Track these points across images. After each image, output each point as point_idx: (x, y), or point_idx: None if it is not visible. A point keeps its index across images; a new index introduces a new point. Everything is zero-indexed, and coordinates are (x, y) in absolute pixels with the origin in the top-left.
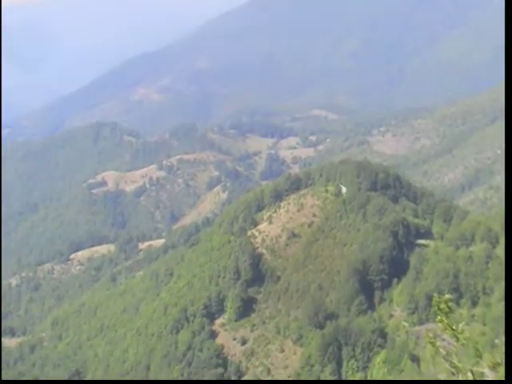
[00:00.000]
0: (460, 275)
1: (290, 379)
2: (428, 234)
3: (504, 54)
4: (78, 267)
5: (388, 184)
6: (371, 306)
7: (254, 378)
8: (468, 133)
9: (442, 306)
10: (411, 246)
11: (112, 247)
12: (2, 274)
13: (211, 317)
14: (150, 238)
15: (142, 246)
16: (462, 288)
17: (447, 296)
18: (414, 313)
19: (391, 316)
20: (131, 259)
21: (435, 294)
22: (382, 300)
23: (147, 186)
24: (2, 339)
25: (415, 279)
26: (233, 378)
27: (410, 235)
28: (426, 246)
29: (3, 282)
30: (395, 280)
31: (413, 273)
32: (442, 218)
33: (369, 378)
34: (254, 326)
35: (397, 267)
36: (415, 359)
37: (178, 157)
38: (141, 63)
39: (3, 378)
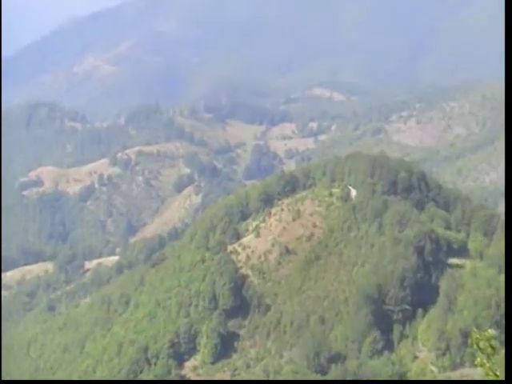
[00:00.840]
0: (504, 305)
1: (290, 379)
2: (463, 252)
3: (504, 54)
4: (6, 292)
5: (411, 185)
6: (389, 345)
7: None
8: None
9: (483, 344)
10: (441, 266)
11: (50, 266)
12: (1, 274)
13: (180, 358)
14: (100, 255)
15: (89, 264)
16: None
17: (490, 332)
18: (444, 354)
19: (415, 358)
20: (74, 282)
21: (474, 329)
22: (402, 337)
23: (96, 186)
24: None
25: (447, 310)
26: None
27: (440, 252)
28: (460, 266)
29: None
30: (420, 311)
31: (444, 302)
32: (482, 230)
33: None
34: (235, 370)
35: (423, 294)
36: None
37: (137, 148)
38: (89, 25)
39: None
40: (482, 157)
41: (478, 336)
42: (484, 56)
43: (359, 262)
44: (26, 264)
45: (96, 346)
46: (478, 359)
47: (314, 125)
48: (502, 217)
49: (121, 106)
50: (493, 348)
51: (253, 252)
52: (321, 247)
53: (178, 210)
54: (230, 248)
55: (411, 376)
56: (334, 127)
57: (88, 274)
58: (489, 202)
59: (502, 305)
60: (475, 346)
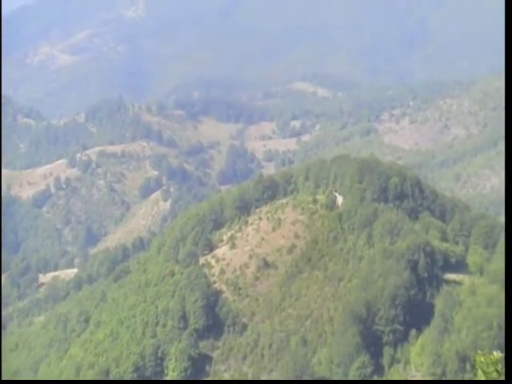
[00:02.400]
0: None
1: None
2: (461, 266)
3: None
4: None
5: (404, 192)
6: (378, 370)
7: None
8: None
9: (488, 368)
10: (437, 282)
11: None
12: (1, 274)
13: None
14: (56, 268)
15: (44, 278)
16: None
17: (496, 355)
18: (440, 379)
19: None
20: (27, 298)
21: (479, 352)
22: (394, 361)
23: (52, 190)
24: None
25: (442, 331)
26: None
27: (436, 267)
28: (458, 282)
29: None
30: (413, 332)
31: (439, 322)
32: (482, 242)
33: None
34: None
35: (416, 313)
36: None
37: (99, 148)
38: (43, 10)
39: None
40: (483, 161)
41: (482, 359)
42: (485, 49)
43: (346, 277)
44: None
45: (51, 369)
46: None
47: (296, 123)
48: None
49: (80, 100)
50: (498, 373)
51: (227, 265)
52: (303, 260)
53: (144, 217)
54: (202, 260)
55: None
56: (318, 126)
57: (43, 289)
58: (490, 211)
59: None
60: (480, 370)
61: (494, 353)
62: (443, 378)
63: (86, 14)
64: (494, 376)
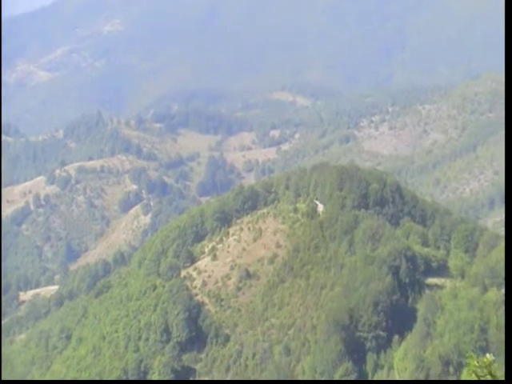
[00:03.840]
0: (489, 328)
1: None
2: (443, 270)
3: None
4: None
5: (384, 198)
6: (362, 376)
7: None
8: (499, 122)
9: (482, 371)
10: (419, 287)
11: None
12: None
13: None
14: (37, 285)
15: (25, 296)
16: (492, 347)
17: (488, 357)
18: None
19: None
20: (8, 316)
21: (471, 354)
22: (377, 367)
23: (32, 207)
24: None
25: (425, 336)
26: None
27: (417, 272)
28: (439, 287)
29: None
30: (396, 337)
31: (422, 326)
32: (463, 246)
33: None
34: None
35: (398, 319)
36: None
37: (78, 164)
38: (20, 26)
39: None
40: (462, 165)
41: (476, 363)
42: (462, 54)
43: (328, 285)
44: None
45: None
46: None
47: (275, 133)
48: (485, 231)
49: (59, 117)
50: (492, 375)
51: (209, 277)
52: (285, 269)
53: (124, 231)
54: (183, 273)
55: None
56: (297, 135)
57: (23, 307)
58: (470, 215)
59: (487, 328)
60: (473, 375)
61: (487, 355)
62: None
63: (64, 31)
64: (488, 378)
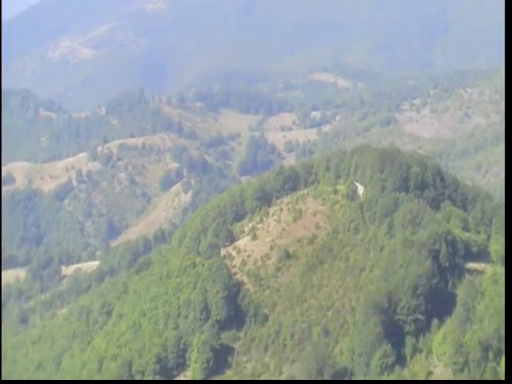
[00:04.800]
0: None
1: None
2: (483, 255)
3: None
4: None
5: (425, 182)
6: (400, 360)
7: None
8: None
9: None
10: (459, 272)
11: (22, 273)
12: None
13: (168, 374)
14: (79, 260)
15: (67, 270)
16: None
17: None
18: (462, 369)
19: (430, 374)
20: (50, 290)
21: None
22: (416, 350)
23: (74, 183)
24: None
25: (465, 320)
26: None
27: (457, 256)
28: (480, 272)
29: None
30: (435, 321)
31: (461, 311)
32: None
33: None
34: None
35: (438, 303)
36: None
37: (120, 141)
38: (64, 3)
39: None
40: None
41: None
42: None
43: (367, 267)
44: None
45: (74, 361)
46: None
47: (316, 114)
48: None
49: (101, 94)
50: None
51: (249, 256)
52: (324, 251)
53: (165, 209)
54: (223, 252)
55: None
56: (338, 117)
57: (65, 282)
58: None
59: None
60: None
61: None
62: (466, 367)
63: (107, 8)
64: None
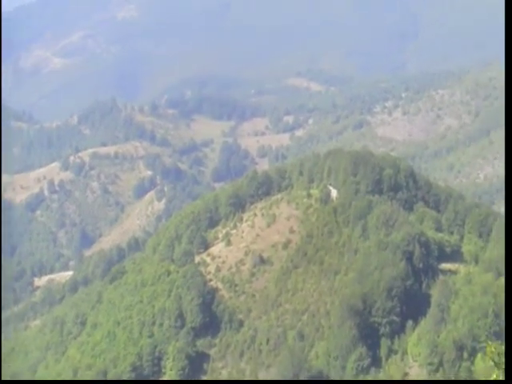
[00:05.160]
0: (503, 313)
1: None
2: (456, 256)
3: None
4: None
5: (398, 184)
6: (376, 362)
7: None
8: None
9: (500, 359)
10: (432, 272)
11: None
12: (1, 273)
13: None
14: (52, 271)
15: (40, 281)
16: None
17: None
18: (437, 370)
19: (405, 375)
20: (23, 302)
21: (489, 342)
22: (391, 352)
23: (46, 193)
24: None
25: (439, 321)
26: None
27: (431, 257)
28: (453, 272)
29: None
30: (410, 323)
31: (435, 312)
32: (477, 231)
33: None
34: None
35: (412, 304)
36: None
37: (92, 150)
38: (36, 13)
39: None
40: (476, 150)
41: (493, 349)
42: (475, 40)
43: (342, 271)
44: None
45: (49, 372)
46: (494, 375)
47: (289, 119)
48: (499, 216)
49: (73, 103)
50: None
51: (223, 262)
52: (299, 255)
53: (138, 217)
54: (197, 259)
55: None
56: (311, 121)
57: (38, 293)
58: (484, 200)
59: (501, 313)
60: (491, 362)
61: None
62: (440, 368)
63: (79, 16)
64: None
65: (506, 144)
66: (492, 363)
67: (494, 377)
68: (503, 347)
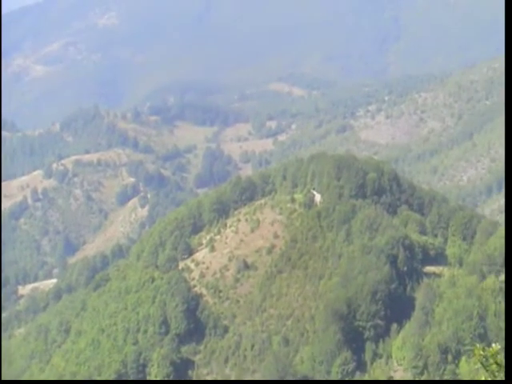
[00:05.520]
0: (488, 316)
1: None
2: (440, 259)
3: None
4: None
5: (382, 187)
6: (361, 366)
7: None
8: (495, 110)
9: (487, 361)
10: (417, 275)
11: None
12: (2, 274)
13: None
14: (35, 279)
15: (24, 290)
16: (490, 334)
17: (494, 347)
18: (422, 373)
19: (390, 378)
20: (7, 310)
21: (477, 345)
22: (376, 356)
23: (29, 201)
24: None
25: (423, 324)
26: None
27: (415, 260)
28: (437, 275)
29: None
30: (394, 326)
31: (420, 315)
32: (461, 234)
33: None
34: None
35: (397, 308)
36: None
37: (75, 157)
38: (16, 21)
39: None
40: (459, 153)
41: (481, 352)
42: (457, 43)
43: (326, 275)
44: None
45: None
46: (483, 378)
47: (272, 124)
48: (483, 219)
49: (55, 111)
50: (498, 365)
51: (207, 268)
52: (283, 260)
53: (122, 224)
54: (181, 265)
55: None
56: (294, 126)
57: (22, 301)
58: (467, 203)
59: (485, 316)
60: (479, 364)
61: (493, 345)
62: (425, 371)
63: (59, 24)
64: (494, 368)
65: (506, 145)
66: (479, 366)
67: (482, 380)
68: (491, 349)
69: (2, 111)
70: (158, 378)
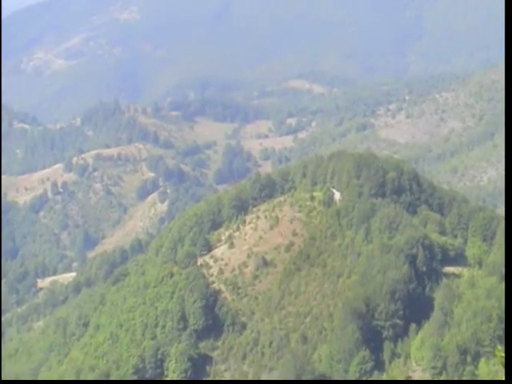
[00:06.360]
0: None
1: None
2: (460, 259)
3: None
4: None
5: (401, 187)
6: (379, 365)
7: None
8: None
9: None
10: (436, 276)
11: None
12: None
13: None
14: (55, 272)
15: (43, 283)
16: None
17: None
18: (441, 373)
19: (408, 378)
20: (26, 303)
21: (498, 347)
22: (394, 355)
23: (49, 195)
24: None
25: (442, 325)
26: None
27: (435, 261)
28: (457, 275)
29: None
30: (413, 326)
31: (439, 315)
32: (480, 235)
33: None
34: None
35: (416, 307)
36: None
37: (95, 152)
38: (37, 15)
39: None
40: (480, 153)
41: (502, 354)
42: (480, 43)
43: (345, 273)
44: None
45: (51, 374)
46: (504, 379)
47: (292, 121)
48: (503, 220)
49: (76, 105)
50: None
51: (226, 265)
52: (302, 257)
53: (141, 219)
54: (200, 261)
55: None
56: (314, 123)
57: (41, 294)
58: (488, 203)
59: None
60: (499, 366)
61: None
62: (444, 372)
63: (80, 18)
64: None
65: (506, 146)
66: (499, 367)
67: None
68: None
69: (19, 105)
70: (175, 373)
